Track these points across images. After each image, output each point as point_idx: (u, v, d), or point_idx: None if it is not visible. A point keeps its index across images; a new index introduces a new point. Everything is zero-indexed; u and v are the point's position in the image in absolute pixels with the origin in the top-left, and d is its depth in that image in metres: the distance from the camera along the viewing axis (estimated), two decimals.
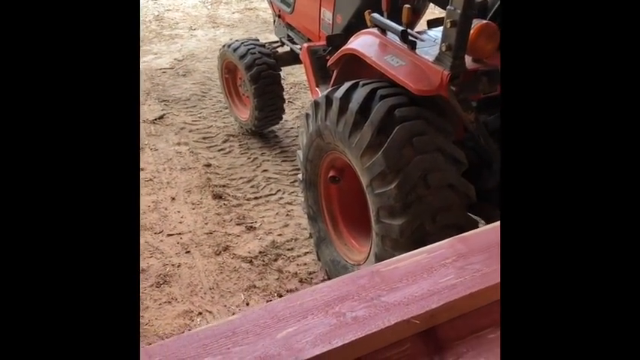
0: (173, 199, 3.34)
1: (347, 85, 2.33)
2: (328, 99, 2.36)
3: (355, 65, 2.57)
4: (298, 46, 3.73)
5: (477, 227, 2.19)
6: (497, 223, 1.61)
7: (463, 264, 1.30)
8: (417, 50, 2.20)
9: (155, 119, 4.25)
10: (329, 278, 2.74)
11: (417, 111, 2.15)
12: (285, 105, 3.90)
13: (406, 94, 2.19)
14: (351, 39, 2.60)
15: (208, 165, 3.69)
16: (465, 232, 2.26)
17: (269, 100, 3.72)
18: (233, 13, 6.74)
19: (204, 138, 4.04)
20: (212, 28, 6.26)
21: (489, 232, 1.53)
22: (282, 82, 3.90)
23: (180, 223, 3.14)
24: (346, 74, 2.62)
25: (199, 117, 4.33)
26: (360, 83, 2.30)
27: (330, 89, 2.45)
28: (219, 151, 3.89)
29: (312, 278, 2.81)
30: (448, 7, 1.96)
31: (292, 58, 3.88)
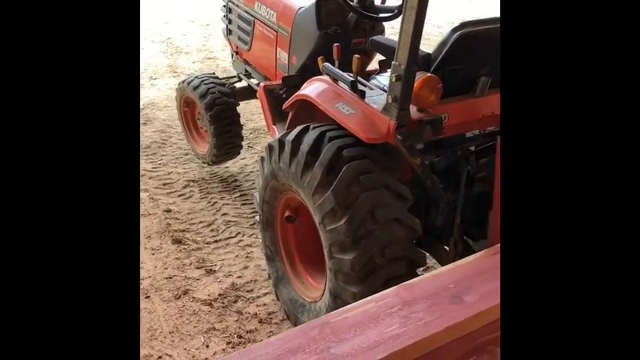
0: None
1: (298, 128, 2.46)
2: (281, 142, 2.48)
3: (308, 109, 2.71)
4: (255, 82, 3.86)
5: (425, 259, 2.31)
6: (438, 271, 1.72)
7: (407, 313, 1.39)
8: (366, 99, 2.34)
9: None
10: (288, 317, 2.79)
11: (364, 151, 2.28)
12: (244, 147, 4.00)
13: (353, 136, 2.32)
14: (305, 85, 2.75)
15: (168, 210, 3.73)
16: (413, 263, 2.37)
17: (228, 138, 3.82)
18: (193, 62, 6.90)
19: (164, 184, 4.09)
20: (172, 77, 6.39)
21: (431, 279, 1.64)
22: (242, 127, 4.01)
23: (140, 268, 3.15)
24: (300, 117, 2.76)
25: (159, 164, 4.38)
26: (311, 127, 2.44)
27: (283, 133, 2.57)
28: (179, 196, 3.94)
29: (271, 318, 2.85)
30: (393, 62, 2.11)
31: (250, 93, 3.98)
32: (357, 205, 2.16)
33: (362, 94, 2.36)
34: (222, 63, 6.75)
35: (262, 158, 2.69)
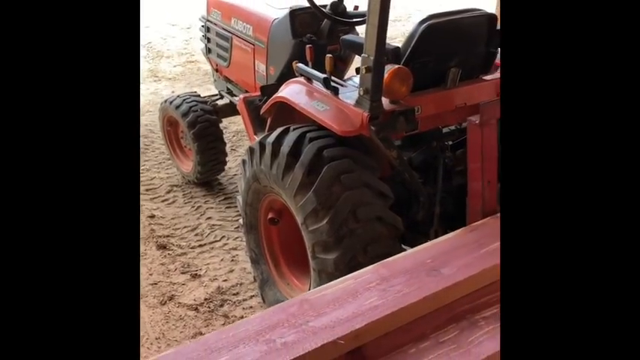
0: None
1: (278, 130, 2.46)
2: (262, 145, 2.48)
3: (286, 112, 2.72)
4: (237, 99, 3.88)
5: None
6: (416, 249, 1.73)
7: (385, 286, 1.40)
8: (339, 95, 2.36)
9: None
10: None
11: (344, 151, 2.29)
12: (227, 154, 4.01)
13: (333, 136, 2.33)
14: (281, 88, 2.76)
15: (152, 216, 3.71)
16: None
17: (212, 155, 3.83)
18: (175, 66, 6.87)
19: (147, 190, 4.07)
20: (154, 81, 6.35)
21: (410, 256, 1.66)
22: (224, 130, 4.01)
23: None
24: (279, 121, 2.76)
25: (142, 169, 4.35)
26: (291, 128, 2.44)
27: (263, 135, 2.57)
28: (162, 201, 3.92)
29: None
30: (362, 54, 2.14)
31: (232, 110, 4.01)
32: (338, 205, 2.17)
33: (335, 91, 2.39)
34: (204, 66, 6.72)
35: (244, 161, 2.69)
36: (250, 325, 1.29)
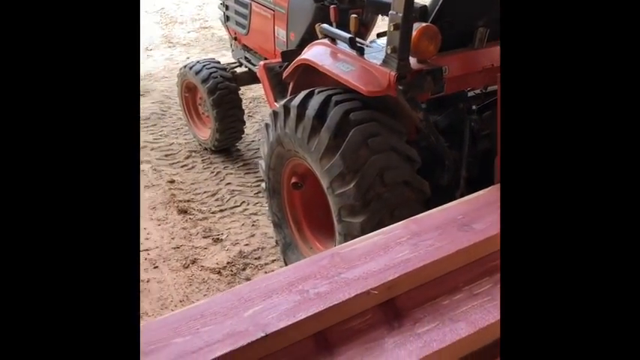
0: None
1: (303, 93, 2.43)
2: (286, 108, 2.45)
3: (309, 75, 2.68)
4: (256, 67, 3.83)
5: None
6: (445, 206, 1.71)
7: (417, 241, 1.38)
8: (365, 56, 2.32)
9: None
10: None
11: (371, 114, 2.26)
12: (245, 122, 3.98)
13: (359, 99, 2.30)
14: (304, 50, 2.71)
15: (172, 181, 3.72)
16: None
17: (230, 123, 3.81)
18: (188, 32, 6.79)
19: (166, 155, 4.07)
20: (168, 47, 6.30)
21: (439, 213, 1.63)
22: (241, 96, 3.98)
23: (147, 239, 3.16)
24: (301, 85, 2.72)
25: (160, 135, 4.35)
26: (316, 91, 2.41)
27: (287, 99, 2.54)
28: (182, 167, 3.92)
29: None
30: (390, 11, 2.09)
31: (250, 78, 3.96)
32: (365, 169, 2.15)
33: (361, 51, 2.34)
34: (218, 32, 6.64)
35: (267, 125, 2.66)
36: (282, 276, 1.29)
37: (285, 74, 2.84)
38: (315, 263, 1.30)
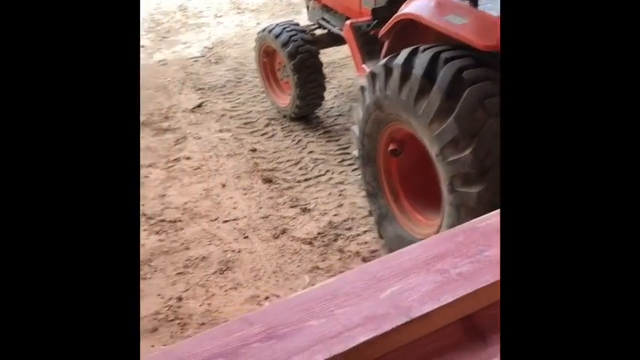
0: (224, 185, 3.30)
1: (406, 51, 2.23)
2: (387, 68, 2.26)
3: (408, 33, 2.48)
4: (336, 28, 3.64)
5: None
6: None
7: None
8: (479, 7, 2.09)
9: (194, 108, 4.21)
10: None
11: (486, 72, 2.05)
12: (325, 88, 3.83)
13: (471, 56, 2.09)
14: (403, 6, 2.50)
15: (254, 150, 3.64)
16: None
17: (311, 88, 3.66)
18: None
19: (245, 123, 3.99)
20: (237, 14, 6.18)
21: None
22: None
23: (235, 209, 3.10)
24: (399, 44, 2.52)
25: (238, 103, 4.27)
26: (421, 49, 2.21)
27: (386, 58, 2.35)
28: (262, 135, 3.83)
29: (375, 256, 2.74)
30: None
31: (330, 40, 3.79)
32: (483, 133, 1.96)
33: (474, 1, 2.11)
34: None
35: (362, 88, 2.49)
36: (414, 253, 1.14)
37: (381, 33, 2.64)
38: (450, 239, 1.15)
